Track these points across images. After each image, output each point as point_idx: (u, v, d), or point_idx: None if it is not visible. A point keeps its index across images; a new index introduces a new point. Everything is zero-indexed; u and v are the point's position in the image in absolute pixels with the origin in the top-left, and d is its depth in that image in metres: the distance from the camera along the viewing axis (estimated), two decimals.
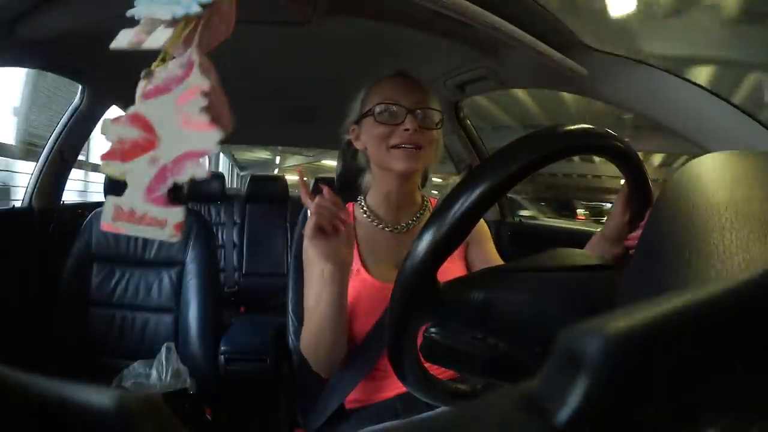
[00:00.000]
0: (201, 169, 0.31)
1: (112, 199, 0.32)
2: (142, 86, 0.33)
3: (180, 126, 0.32)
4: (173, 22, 0.33)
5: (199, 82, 0.32)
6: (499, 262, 0.84)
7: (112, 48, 0.33)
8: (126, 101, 1.65)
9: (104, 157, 0.32)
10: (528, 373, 0.13)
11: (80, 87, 1.35)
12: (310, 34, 0.96)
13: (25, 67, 1.08)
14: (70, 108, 1.39)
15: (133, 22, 0.35)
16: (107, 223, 0.32)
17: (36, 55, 1.04)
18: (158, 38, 0.32)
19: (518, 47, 0.73)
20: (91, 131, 1.53)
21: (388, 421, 0.72)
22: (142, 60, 0.35)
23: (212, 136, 0.32)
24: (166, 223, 0.32)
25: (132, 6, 0.35)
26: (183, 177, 0.31)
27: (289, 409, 1.04)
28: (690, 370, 0.12)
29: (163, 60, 0.33)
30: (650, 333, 0.12)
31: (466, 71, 1.15)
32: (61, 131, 1.39)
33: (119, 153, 0.32)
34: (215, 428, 1.14)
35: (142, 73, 0.33)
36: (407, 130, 0.73)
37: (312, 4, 0.80)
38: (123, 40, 0.33)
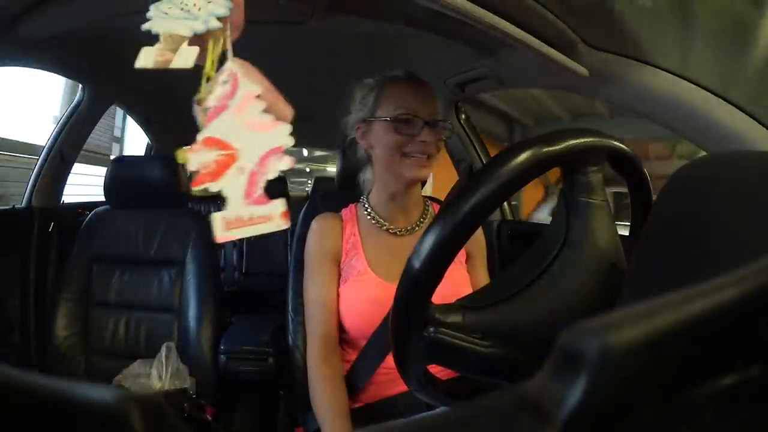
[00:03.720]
0: (285, 160, 0.35)
1: (218, 215, 0.35)
2: (198, 112, 0.36)
3: (250, 132, 0.35)
4: (195, 39, 0.34)
5: (249, 89, 0.35)
6: (485, 280, 0.86)
7: (137, 67, 0.35)
8: (126, 101, 1.65)
9: (195, 184, 0.35)
10: (528, 373, 0.13)
11: (80, 87, 1.35)
12: (310, 34, 0.96)
13: (25, 66, 1.08)
14: (70, 107, 1.39)
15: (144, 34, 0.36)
16: (220, 236, 0.35)
17: (36, 55, 1.04)
18: (187, 58, 0.34)
19: (518, 47, 0.73)
20: (91, 131, 1.53)
21: (389, 421, 0.72)
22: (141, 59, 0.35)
23: (282, 130, 0.35)
24: (272, 217, 0.36)
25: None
26: (272, 173, 0.35)
27: (289, 409, 1.04)
28: (690, 371, 0.12)
29: (207, 80, 0.36)
30: (650, 333, 0.12)
31: (466, 71, 1.15)
32: (61, 131, 1.39)
33: (208, 175, 0.35)
34: (215, 428, 1.14)
35: (195, 100, 0.36)
36: (424, 141, 0.74)
37: (312, 3, 0.80)
38: (147, 59, 0.35)
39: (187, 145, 0.36)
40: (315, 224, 0.83)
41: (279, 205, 0.36)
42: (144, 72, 0.35)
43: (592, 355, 0.11)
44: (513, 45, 0.72)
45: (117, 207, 1.34)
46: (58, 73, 1.20)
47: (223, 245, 2.39)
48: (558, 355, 0.12)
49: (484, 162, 1.47)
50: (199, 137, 0.35)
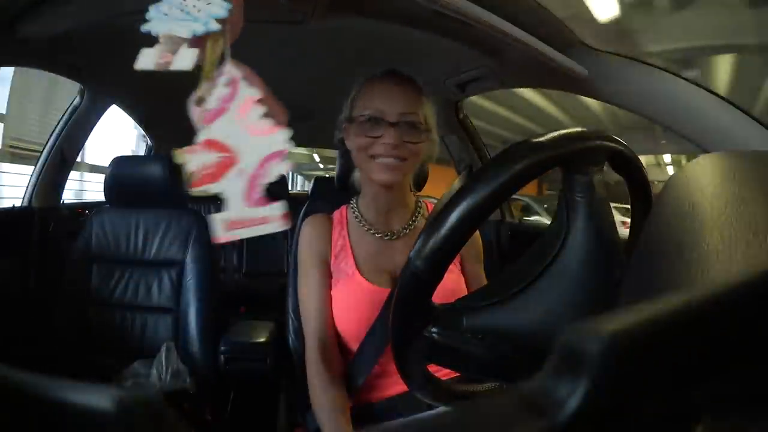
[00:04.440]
0: (283, 166, 0.36)
1: (219, 216, 0.36)
2: (197, 113, 0.36)
3: (249, 136, 0.36)
4: (195, 41, 0.34)
5: (249, 93, 0.36)
6: (482, 281, 0.85)
7: (138, 68, 0.35)
8: (125, 101, 1.65)
9: (194, 185, 0.36)
10: (528, 373, 0.13)
11: (80, 86, 1.35)
12: (310, 34, 0.96)
13: (25, 66, 1.08)
14: (70, 108, 1.39)
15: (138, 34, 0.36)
16: (218, 236, 0.36)
17: (36, 55, 1.04)
18: (187, 59, 0.35)
19: (518, 47, 0.73)
20: (91, 131, 1.53)
21: (389, 421, 0.72)
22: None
23: (281, 136, 0.36)
24: (271, 218, 0.37)
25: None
26: (270, 178, 0.36)
27: (289, 409, 1.04)
28: (690, 370, 0.12)
29: (206, 81, 0.36)
30: (650, 333, 0.12)
31: (466, 71, 1.15)
32: (61, 131, 1.39)
33: (209, 176, 0.36)
34: (215, 428, 1.14)
35: (193, 101, 0.36)
36: (387, 143, 0.71)
37: (312, 3, 0.80)
38: (147, 60, 0.35)
39: (186, 145, 0.36)
40: (305, 226, 0.83)
41: (278, 207, 0.37)
42: (143, 72, 0.35)
43: (592, 355, 0.11)
44: (513, 45, 0.72)
45: (117, 206, 1.34)
46: (58, 73, 1.20)
47: (223, 245, 2.39)
48: (558, 354, 0.12)
49: (483, 162, 1.47)
50: (200, 138, 0.36)
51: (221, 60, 0.36)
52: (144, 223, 1.32)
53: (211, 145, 0.36)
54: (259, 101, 0.36)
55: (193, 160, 0.35)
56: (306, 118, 1.84)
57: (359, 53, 1.12)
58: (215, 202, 2.50)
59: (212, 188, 0.36)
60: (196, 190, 0.36)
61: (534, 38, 0.72)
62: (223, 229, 0.36)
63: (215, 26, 0.34)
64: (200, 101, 0.36)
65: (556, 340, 0.12)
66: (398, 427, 0.19)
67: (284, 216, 0.37)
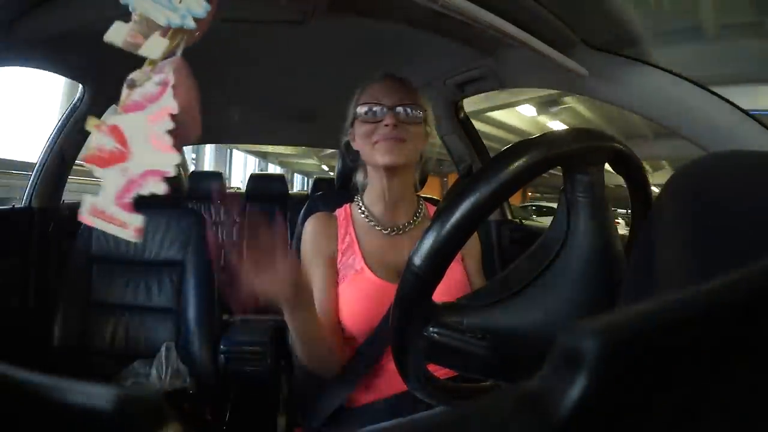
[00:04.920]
0: (160, 186, 0.37)
1: (89, 198, 0.37)
2: (125, 95, 0.37)
3: (148, 143, 0.36)
4: (166, 31, 0.34)
5: (169, 104, 0.36)
6: (480, 280, 0.86)
7: (106, 40, 0.35)
8: None
9: (87, 160, 0.37)
10: (528, 373, 0.13)
11: (80, 87, 1.35)
12: (310, 34, 0.96)
13: (25, 66, 1.08)
14: (70, 107, 1.39)
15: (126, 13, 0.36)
16: (83, 216, 0.37)
17: (36, 55, 1.04)
18: (154, 48, 0.35)
19: (518, 47, 0.73)
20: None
21: (388, 421, 0.72)
22: (142, 61, 0.36)
23: (172, 158, 0.37)
24: (128, 226, 0.38)
25: (129, 6, 0.35)
26: (145, 191, 0.37)
27: (289, 409, 1.04)
28: (689, 370, 0.12)
29: (150, 65, 0.36)
30: (650, 333, 0.12)
31: (466, 71, 1.15)
32: (61, 131, 1.39)
33: (98, 159, 0.37)
34: (215, 428, 1.14)
35: (127, 81, 0.37)
36: (387, 125, 0.76)
37: (312, 3, 0.80)
38: (117, 35, 0.35)
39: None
40: (309, 224, 0.84)
41: (138, 219, 0.38)
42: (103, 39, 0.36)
43: (591, 355, 0.11)
44: (513, 45, 0.72)
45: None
46: (58, 73, 1.20)
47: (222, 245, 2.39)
48: (557, 354, 0.12)
49: (484, 162, 1.47)
50: (110, 121, 0.36)
51: (171, 55, 0.37)
52: (144, 223, 1.32)
53: (115, 132, 0.36)
54: (174, 116, 0.36)
55: (95, 136, 0.36)
56: (307, 118, 1.84)
57: (359, 53, 1.12)
58: (216, 204, 2.50)
59: (96, 171, 0.37)
60: (86, 165, 0.37)
61: (534, 38, 0.72)
62: (86, 210, 0.37)
63: (190, 24, 0.34)
64: (132, 85, 0.36)
65: (555, 340, 0.12)
66: (398, 427, 0.19)
67: (138, 230, 0.38)
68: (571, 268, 0.46)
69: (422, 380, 0.52)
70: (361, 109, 0.79)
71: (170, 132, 0.36)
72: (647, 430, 0.12)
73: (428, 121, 0.82)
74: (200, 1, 0.34)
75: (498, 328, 0.46)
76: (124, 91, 0.36)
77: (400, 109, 0.77)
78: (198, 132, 0.39)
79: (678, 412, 0.12)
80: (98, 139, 0.36)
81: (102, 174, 0.37)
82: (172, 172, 0.37)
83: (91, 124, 0.36)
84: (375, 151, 0.78)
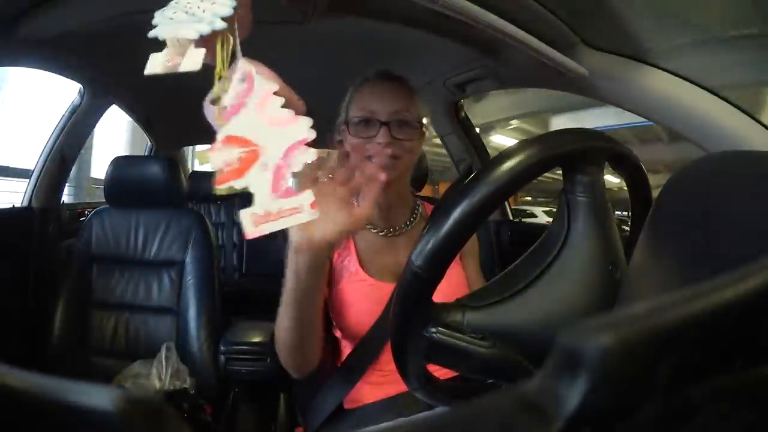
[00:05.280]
0: (309, 153, 0.35)
1: (247, 211, 0.36)
2: (215, 111, 0.36)
3: (270, 128, 0.35)
4: (201, 41, 0.34)
5: (266, 86, 0.36)
6: (479, 279, 0.85)
7: (147, 74, 0.35)
8: (125, 101, 1.65)
9: (218, 182, 0.35)
10: (528, 373, 0.13)
11: (80, 87, 1.35)
12: (310, 34, 0.96)
13: (25, 66, 1.08)
14: (70, 108, 1.39)
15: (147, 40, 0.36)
16: (250, 233, 0.36)
17: (36, 55, 1.04)
18: (195, 60, 0.34)
19: (518, 47, 0.73)
20: (91, 131, 1.52)
21: (388, 421, 0.72)
22: (142, 61, 0.35)
23: (304, 123, 0.36)
24: (302, 208, 0.36)
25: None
26: (297, 166, 0.35)
27: (289, 409, 1.04)
28: (690, 371, 0.12)
29: (219, 79, 0.36)
30: (650, 333, 0.12)
31: (466, 71, 1.15)
32: (61, 131, 1.39)
33: (232, 173, 0.35)
34: (215, 428, 1.14)
35: (209, 100, 0.36)
36: (380, 143, 0.72)
37: (312, 3, 0.80)
38: (156, 65, 0.35)
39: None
40: None
41: (307, 195, 0.36)
42: (144, 72, 0.35)
43: (591, 355, 0.11)
44: (513, 45, 0.72)
45: (117, 207, 1.34)
46: (58, 73, 1.20)
47: (223, 245, 2.39)
48: (557, 354, 0.12)
49: (484, 162, 1.47)
50: (220, 136, 0.35)
51: (233, 57, 0.36)
52: (144, 223, 1.32)
53: (232, 140, 0.35)
54: (276, 93, 0.35)
55: (215, 157, 0.35)
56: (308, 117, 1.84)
57: (359, 53, 1.12)
58: (216, 203, 2.50)
59: (237, 184, 0.35)
60: (221, 188, 0.35)
61: (534, 38, 0.72)
62: (251, 224, 0.35)
63: (221, 24, 0.34)
64: (216, 100, 0.36)
65: (556, 340, 0.12)
66: (398, 427, 0.19)
67: (314, 204, 0.36)
68: (572, 268, 0.46)
69: (422, 380, 0.52)
70: (353, 119, 0.74)
71: (284, 106, 0.35)
72: (648, 431, 0.12)
73: (423, 128, 0.77)
74: (224, 1, 0.34)
75: (499, 328, 0.46)
76: (211, 110, 0.36)
77: (395, 123, 0.72)
78: (301, 103, 0.38)
79: (679, 413, 0.12)
80: (219, 158, 0.35)
81: (244, 182, 0.35)
82: (310, 135, 0.35)
83: (201, 156, 0.35)
84: (366, 167, 0.73)
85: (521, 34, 0.70)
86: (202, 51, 0.34)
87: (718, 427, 0.12)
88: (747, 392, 0.13)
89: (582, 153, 0.45)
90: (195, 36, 0.34)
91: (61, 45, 1.03)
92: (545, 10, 0.72)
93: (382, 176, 0.54)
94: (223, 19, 0.34)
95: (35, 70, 1.12)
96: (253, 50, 0.38)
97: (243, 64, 0.36)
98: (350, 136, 0.75)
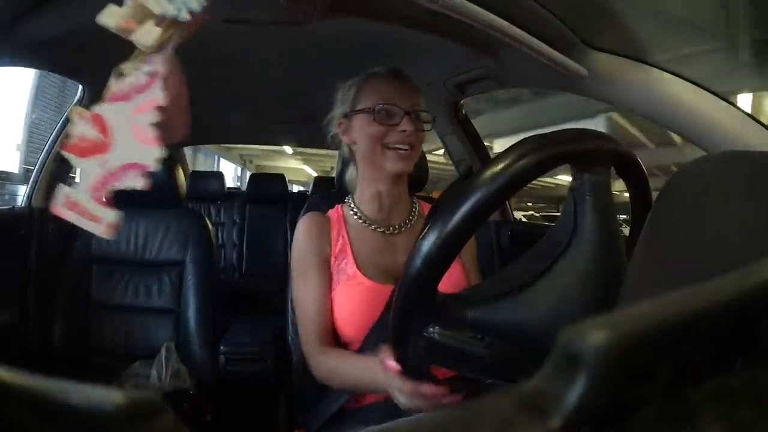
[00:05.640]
0: (140, 181, 0.35)
1: (64, 188, 0.36)
2: (112, 85, 0.35)
3: (132, 135, 0.35)
4: (161, 20, 0.34)
5: (157, 95, 0.35)
6: (476, 276, 0.85)
7: (98, 22, 0.35)
8: None
9: (66, 149, 0.35)
10: (527, 373, 0.13)
11: (80, 87, 1.35)
12: (310, 34, 0.96)
13: (25, 66, 1.08)
14: (70, 108, 1.39)
15: None
16: (57, 207, 0.36)
17: (36, 55, 1.04)
18: (146, 36, 0.34)
19: (518, 47, 0.73)
20: None
21: (388, 421, 0.72)
22: None
23: (155, 152, 0.35)
24: (101, 220, 0.37)
25: None
26: (123, 185, 0.35)
27: (289, 409, 1.04)
28: (690, 370, 0.12)
29: (141, 56, 0.36)
30: (650, 333, 0.12)
31: (466, 71, 1.15)
32: (61, 131, 1.39)
33: (77, 149, 0.35)
34: (215, 428, 1.14)
35: (115, 71, 0.35)
36: (404, 131, 0.74)
37: (312, 3, 0.80)
38: (110, 18, 0.35)
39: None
40: (302, 224, 0.82)
41: (112, 214, 0.36)
42: (95, 19, 0.35)
43: (591, 355, 0.11)
44: (513, 45, 0.72)
45: (117, 207, 1.34)
46: (58, 73, 1.20)
47: (223, 245, 2.39)
48: (557, 354, 0.12)
49: (484, 163, 1.47)
50: (96, 109, 0.35)
51: (162, 48, 0.35)
52: (144, 224, 1.32)
53: (98, 121, 0.35)
54: (160, 108, 0.35)
55: (78, 123, 0.35)
56: (308, 119, 1.84)
57: (359, 53, 1.12)
58: (216, 203, 2.50)
59: (73, 160, 0.35)
60: (64, 152, 0.35)
61: (534, 38, 0.72)
62: (61, 201, 0.36)
63: (185, 17, 0.34)
64: (120, 74, 0.35)
65: (556, 340, 0.12)
66: (398, 428, 0.19)
67: (111, 227, 0.36)
68: (578, 265, 0.47)
69: (422, 380, 0.52)
70: (376, 108, 0.75)
71: (156, 125, 0.35)
72: (648, 431, 0.12)
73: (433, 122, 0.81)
74: None
75: (502, 322, 0.46)
76: (112, 81, 0.35)
77: (414, 114, 0.76)
78: (185, 130, 0.38)
79: (679, 413, 0.12)
80: (80, 127, 0.35)
81: (80, 164, 0.35)
82: (153, 167, 0.35)
83: (74, 112, 0.36)
84: (385, 157, 0.76)
85: (521, 34, 0.70)
86: (158, 31, 0.34)
87: (718, 427, 0.12)
88: (747, 392, 0.13)
89: (590, 153, 0.46)
90: (158, 12, 0.34)
91: (61, 45, 1.03)
92: (545, 11, 0.72)
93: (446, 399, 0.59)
94: (189, 12, 0.34)
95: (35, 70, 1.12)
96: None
97: (159, 60, 0.35)
98: (367, 123, 0.76)
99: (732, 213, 0.26)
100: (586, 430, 0.11)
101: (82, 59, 1.18)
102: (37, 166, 1.40)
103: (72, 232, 1.34)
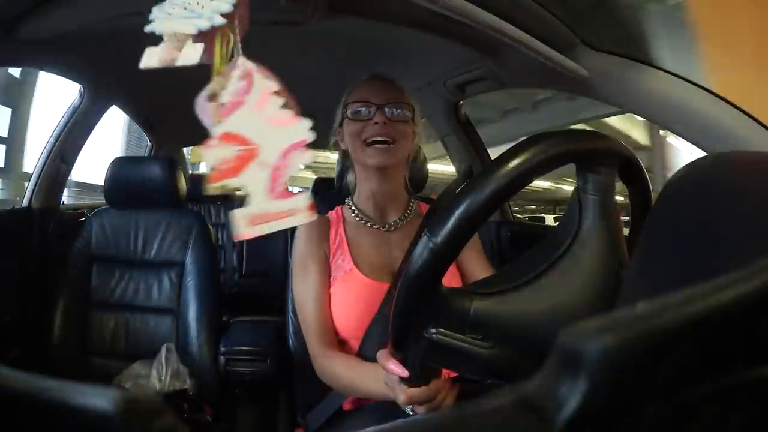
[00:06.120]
0: (306, 155, 0.35)
1: (240, 212, 0.34)
2: (211, 108, 0.35)
3: (272, 127, 0.35)
4: (200, 36, 0.34)
5: (266, 85, 0.35)
6: (490, 269, 0.85)
7: (143, 67, 0.34)
8: (125, 101, 1.65)
9: (212, 180, 0.34)
10: (528, 374, 0.13)
11: (80, 87, 1.35)
12: (310, 34, 0.97)
13: (25, 66, 1.08)
14: (70, 108, 1.39)
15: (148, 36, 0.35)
16: (241, 233, 0.34)
17: (36, 55, 1.04)
18: (193, 54, 0.34)
19: (518, 47, 0.73)
20: (91, 131, 1.52)
21: (388, 421, 0.72)
22: (139, 61, 0.35)
23: (303, 125, 0.35)
24: (298, 210, 0.35)
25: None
26: (294, 168, 0.35)
27: (289, 409, 1.04)
28: (690, 371, 0.12)
29: (217, 76, 0.36)
30: (649, 334, 0.12)
31: (466, 71, 1.15)
32: (61, 132, 1.39)
33: (228, 171, 0.34)
34: (215, 428, 1.14)
35: (205, 96, 0.36)
36: (376, 123, 0.77)
37: (312, 3, 0.80)
38: (152, 58, 0.34)
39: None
40: (302, 226, 0.84)
41: (304, 198, 0.35)
42: (144, 73, 0.35)
43: (591, 356, 0.11)
44: (513, 46, 0.72)
45: (117, 207, 1.34)
46: (58, 74, 1.20)
47: (222, 245, 2.39)
48: (558, 355, 0.12)
49: (484, 163, 1.46)
50: (216, 133, 0.34)
51: (232, 54, 0.36)
52: (144, 223, 1.32)
53: (229, 138, 0.34)
54: (277, 92, 0.35)
55: (210, 154, 0.34)
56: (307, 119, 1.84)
57: (359, 53, 1.12)
58: (216, 203, 2.50)
59: (232, 183, 0.34)
60: (214, 186, 0.34)
61: (534, 39, 0.72)
62: (246, 225, 0.34)
63: (220, 21, 0.34)
64: (213, 96, 0.35)
65: (556, 341, 0.12)
66: (398, 428, 0.19)
67: (311, 207, 0.35)
68: (581, 263, 0.47)
69: (422, 380, 0.52)
70: (351, 108, 0.80)
71: (284, 106, 0.35)
72: (648, 431, 0.12)
73: (416, 120, 0.82)
74: None
75: (504, 317, 0.46)
76: (209, 106, 0.35)
77: (388, 108, 0.78)
78: (296, 106, 0.37)
79: (679, 413, 0.12)
80: (213, 155, 0.34)
81: (240, 181, 0.34)
82: (309, 137, 0.35)
83: (196, 155, 0.35)
84: (365, 153, 0.78)
85: (521, 34, 0.70)
86: (200, 46, 0.34)
87: (718, 427, 0.12)
88: (747, 392, 0.13)
89: (596, 152, 0.47)
90: (193, 31, 0.33)
91: (61, 45, 1.03)
92: (545, 11, 0.72)
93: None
94: (223, 15, 0.34)
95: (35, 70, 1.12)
96: (253, 50, 0.38)
97: (243, 62, 0.35)
98: (348, 124, 0.80)
99: (732, 213, 0.25)
100: (587, 431, 0.11)
101: (82, 60, 1.18)
102: (36, 167, 1.40)
103: (72, 232, 1.34)
